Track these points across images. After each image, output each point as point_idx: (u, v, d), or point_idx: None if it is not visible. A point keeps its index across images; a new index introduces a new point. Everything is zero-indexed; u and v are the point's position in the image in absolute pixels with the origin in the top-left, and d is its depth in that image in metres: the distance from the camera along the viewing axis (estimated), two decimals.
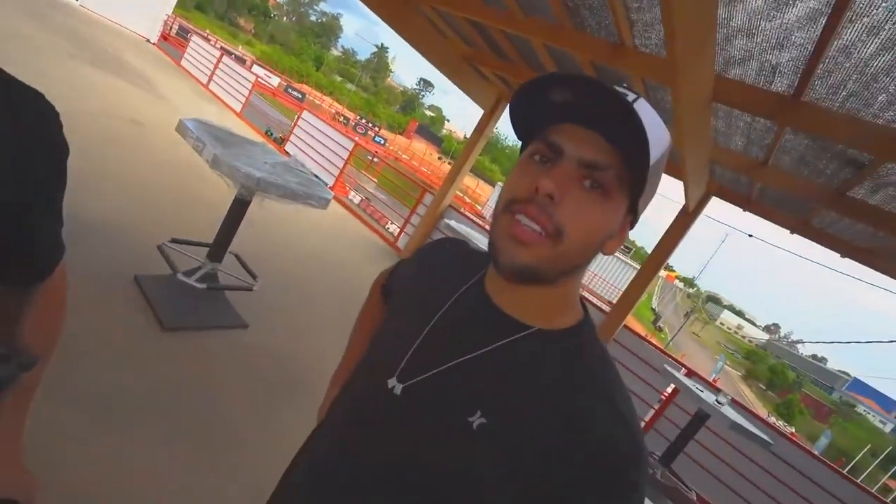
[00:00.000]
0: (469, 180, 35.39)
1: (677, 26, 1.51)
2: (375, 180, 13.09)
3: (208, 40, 16.23)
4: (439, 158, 51.57)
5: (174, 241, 2.73)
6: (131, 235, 3.03)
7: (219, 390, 2.21)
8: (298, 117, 9.10)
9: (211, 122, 2.41)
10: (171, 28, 16.00)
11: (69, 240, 0.61)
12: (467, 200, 28.87)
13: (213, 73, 11.61)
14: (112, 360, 2.03)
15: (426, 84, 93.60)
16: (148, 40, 14.00)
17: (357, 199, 10.42)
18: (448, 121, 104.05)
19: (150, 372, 2.08)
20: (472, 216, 6.86)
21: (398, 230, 6.96)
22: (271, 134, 11.73)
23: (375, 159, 14.29)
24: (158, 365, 2.15)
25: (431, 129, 71.12)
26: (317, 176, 3.54)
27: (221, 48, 15.70)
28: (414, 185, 8.02)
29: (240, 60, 18.68)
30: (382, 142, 34.44)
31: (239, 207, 2.59)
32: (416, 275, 0.73)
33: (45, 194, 0.56)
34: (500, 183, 32.39)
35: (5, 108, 0.51)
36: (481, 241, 4.47)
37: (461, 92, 5.50)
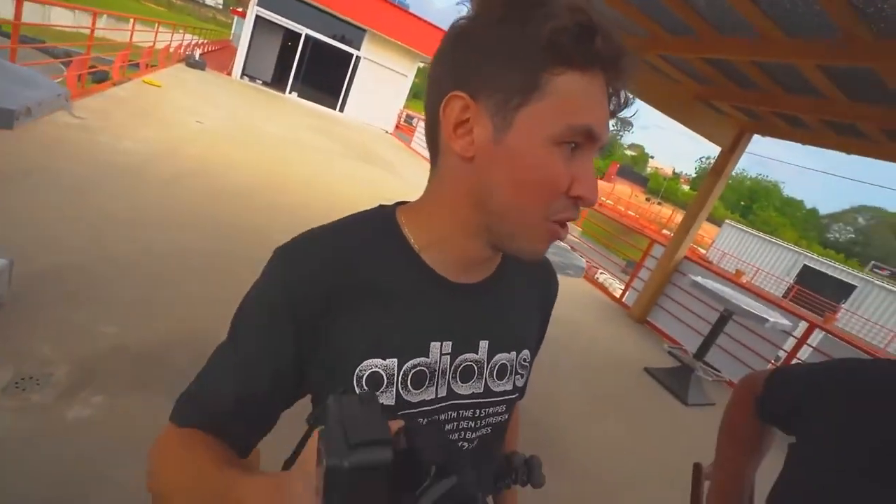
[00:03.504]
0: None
1: None
2: (580, 228, 12.74)
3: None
4: (647, 199, 48.09)
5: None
6: None
7: None
8: None
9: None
10: (401, 118, 19.28)
11: None
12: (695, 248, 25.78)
13: None
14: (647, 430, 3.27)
15: (623, 123, 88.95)
16: (386, 131, 17.15)
17: None
18: (652, 157, 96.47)
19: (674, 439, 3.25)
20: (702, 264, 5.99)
21: (621, 285, 6.54)
22: None
23: None
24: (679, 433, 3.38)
25: (634, 170, 67.40)
26: None
27: None
28: (625, 229, 7.53)
29: None
30: None
31: None
32: None
33: None
34: (728, 221, 28.04)
35: None
36: (740, 300, 3.85)
37: (662, 126, 5.04)
